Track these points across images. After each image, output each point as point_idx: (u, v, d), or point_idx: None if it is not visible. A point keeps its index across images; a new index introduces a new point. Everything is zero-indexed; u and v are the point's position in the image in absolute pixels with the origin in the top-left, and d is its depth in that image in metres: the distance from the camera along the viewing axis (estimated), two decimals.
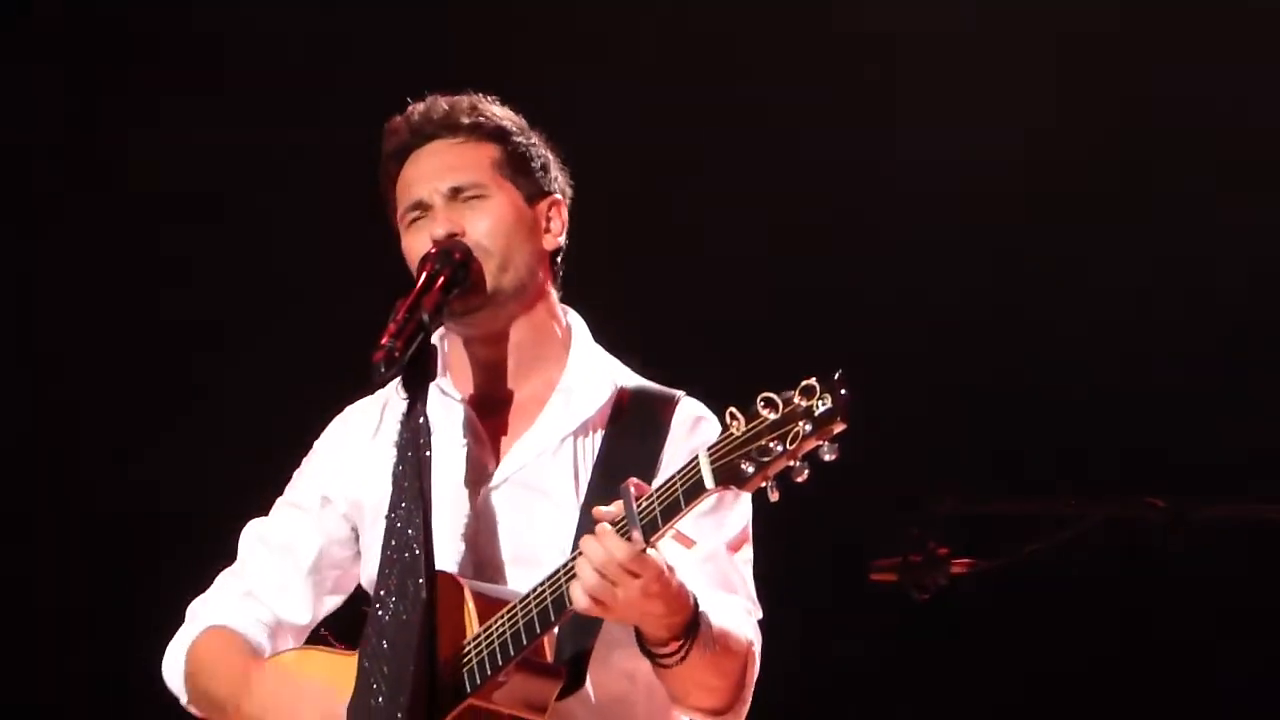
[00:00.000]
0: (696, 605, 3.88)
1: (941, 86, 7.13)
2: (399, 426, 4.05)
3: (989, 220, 7.07)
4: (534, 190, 4.25)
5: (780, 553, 4.55)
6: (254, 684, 4.18)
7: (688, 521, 4.00)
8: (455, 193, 4.19)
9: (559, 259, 4.31)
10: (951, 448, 7.15)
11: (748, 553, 4.20)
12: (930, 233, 7.14)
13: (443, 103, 4.27)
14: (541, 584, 3.89)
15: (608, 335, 4.37)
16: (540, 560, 4.06)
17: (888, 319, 7.09)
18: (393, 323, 4.01)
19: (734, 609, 4.07)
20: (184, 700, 4.33)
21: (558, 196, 4.29)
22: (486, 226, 4.17)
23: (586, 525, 3.99)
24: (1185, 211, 7.04)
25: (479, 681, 3.92)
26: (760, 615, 4.15)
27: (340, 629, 4.37)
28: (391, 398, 4.32)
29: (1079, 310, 7.15)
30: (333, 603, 4.39)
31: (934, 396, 7.15)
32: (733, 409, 3.64)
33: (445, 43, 7.13)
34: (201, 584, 4.43)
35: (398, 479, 4.01)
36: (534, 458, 4.20)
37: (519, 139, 4.27)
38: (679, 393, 4.25)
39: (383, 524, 4.16)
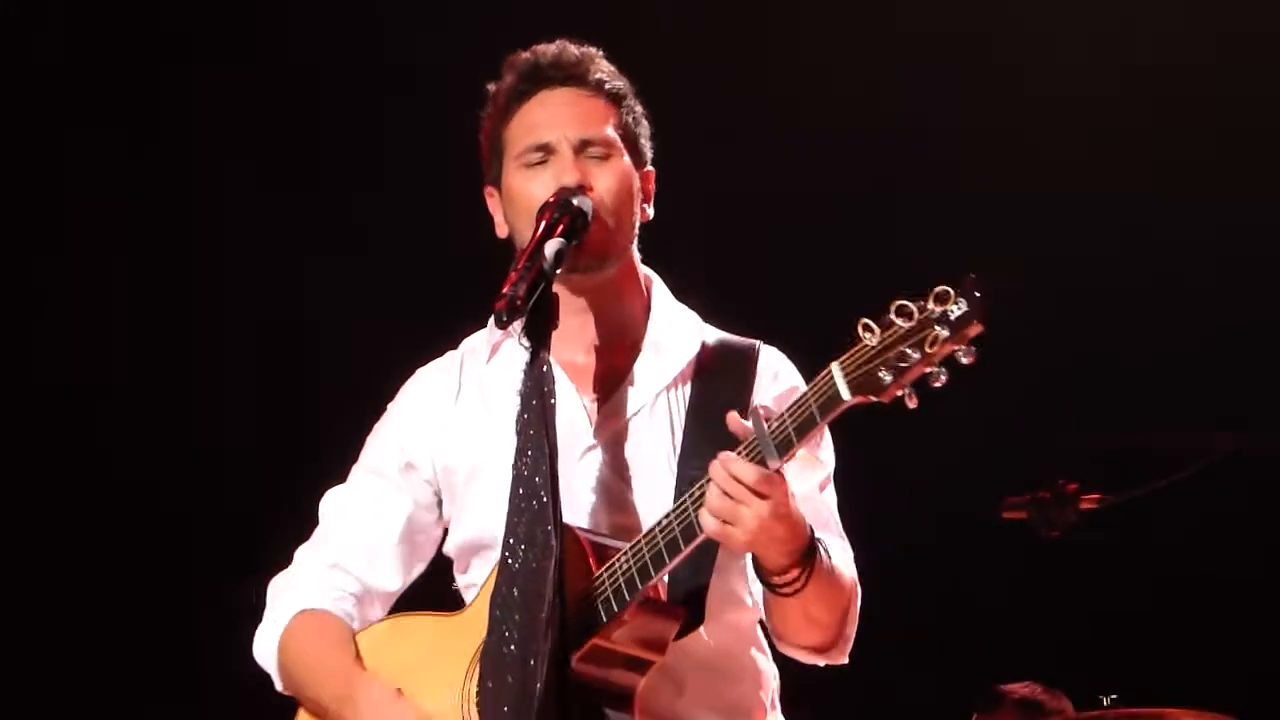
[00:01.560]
0: (813, 532, 3.90)
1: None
2: (522, 375, 4.02)
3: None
4: (639, 160, 4.25)
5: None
6: (357, 691, 4.16)
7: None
8: (584, 145, 4.16)
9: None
10: (1075, 384, 7.12)
11: (833, 494, 4.22)
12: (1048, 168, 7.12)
13: (573, 50, 4.23)
14: (668, 516, 3.90)
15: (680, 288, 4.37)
16: (638, 513, 4.09)
17: (1012, 254, 7.07)
18: (514, 271, 3.98)
19: (838, 545, 4.09)
20: (278, 685, 4.32)
21: (651, 169, 4.28)
22: (611, 185, 4.15)
23: (684, 476, 4.05)
24: None
25: (604, 619, 3.94)
26: (852, 554, 4.15)
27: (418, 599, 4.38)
28: (466, 359, 4.33)
29: (1207, 246, 7.10)
30: (419, 569, 4.37)
31: (1063, 333, 7.13)
32: (865, 320, 3.64)
33: None
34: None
35: (523, 427, 3.99)
36: (630, 414, 4.20)
37: (634, 105, 4.26)
38: (757, 342, 4.26)
39: (475, 489, 4.21)
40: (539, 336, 4.00)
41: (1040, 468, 6.26)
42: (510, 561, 3.94)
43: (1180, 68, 7.06)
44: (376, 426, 4.41)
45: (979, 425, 6.97)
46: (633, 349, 4.24)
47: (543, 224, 4.05)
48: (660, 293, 4.30)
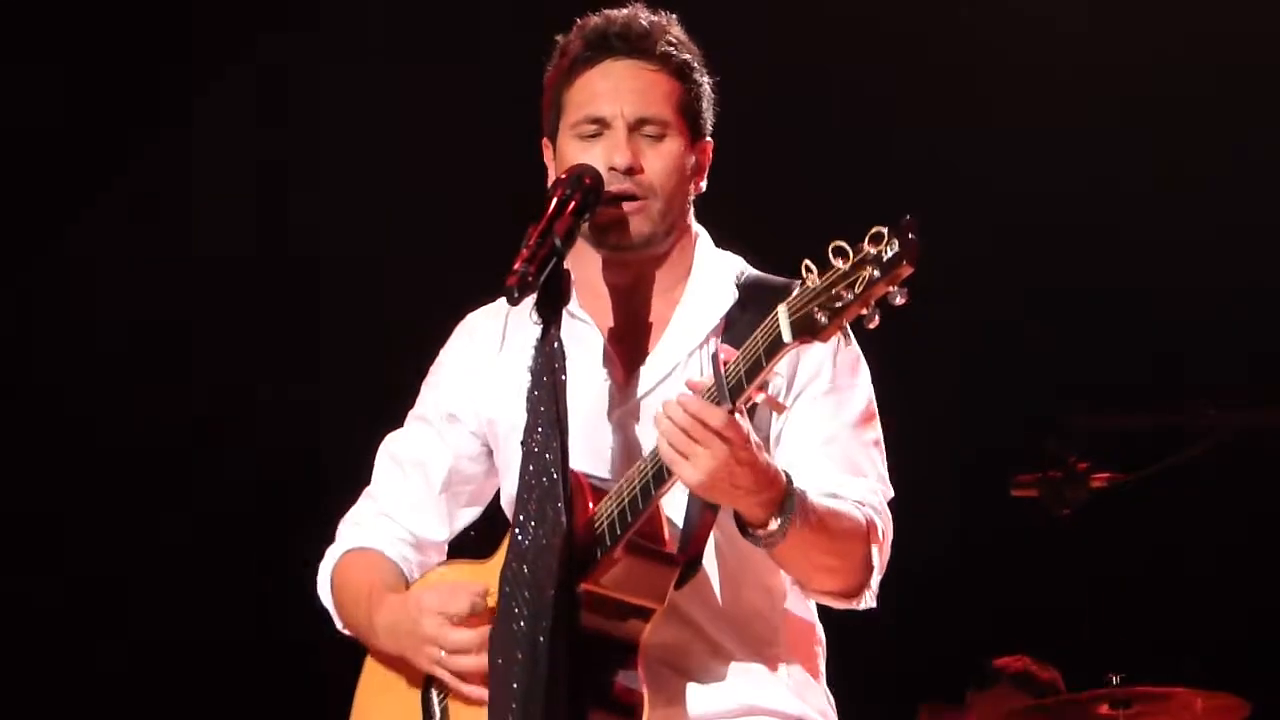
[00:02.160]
0: (790, 482, 3.86)
1: None
2: (533, 350, 4.02)
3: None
4: (697, 133, 4.20)
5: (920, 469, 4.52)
6: (375, 615, 4.21)
7: (804, 403, 4.07)
8: (640, 123, 4.13)
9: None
10: (1086, 365, 7.11)
11: (873, 431, 4.16)
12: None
13: (643, 19, 4.18)
14: (644, 460, 3.89)
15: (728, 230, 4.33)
16: None
17: (1027, 230, 7.07)
18: (525, 247, 3.96)
19: (856, 490, 4.04)
20: (338, 624, 4.37)
21: (709, 139, 4.24)
22: (662, 169, 4.11)
23: None
24: None
25: (592, 567, 3.92)
26: (892, 494, 4.11)
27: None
28: (513, 310, 4.30)
29: (1213, 219, 7.10)
30: (469, 515, 4.39)
31: (1067, 313, 7.12)
32: (808, 261, 3.64)
33: None
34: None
35: (533, 404, 3.99)
36: (665, 376, 4.17)
37: (698, 78, 4.20)
38: (796, 281, 4.17)
39: (515, 443, 4.15)
40: (549, 313, 3.99)
41: (1050, 446, 6.25)
42: (520, 538, 3.93)
43: None
44: (429, 371, 4.42)
45: (989, 402, 6.98)
46: (670, 308, 4.21)
47: (554, 200, 4.03)
48: (703, 249, 4.26)
